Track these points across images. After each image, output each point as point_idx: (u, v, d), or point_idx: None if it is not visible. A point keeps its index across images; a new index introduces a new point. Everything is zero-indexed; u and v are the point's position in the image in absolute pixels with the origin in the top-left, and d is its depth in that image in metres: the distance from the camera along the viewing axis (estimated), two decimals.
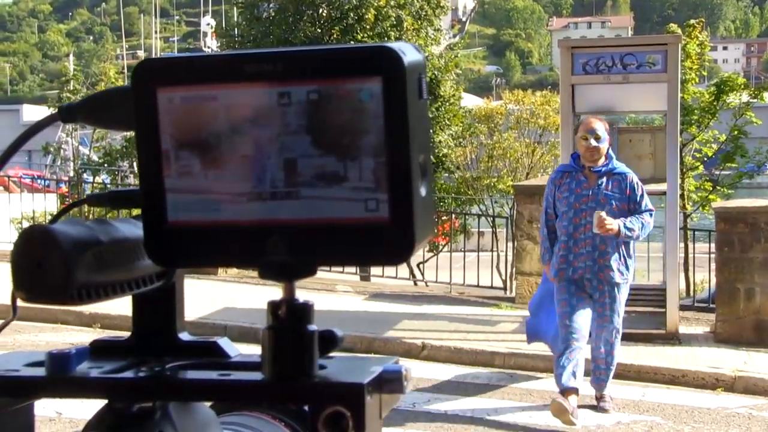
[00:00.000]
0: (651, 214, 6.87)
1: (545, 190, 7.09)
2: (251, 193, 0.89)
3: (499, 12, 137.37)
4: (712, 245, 11.70)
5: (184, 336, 1.06)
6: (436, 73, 18.50)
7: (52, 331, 9.28)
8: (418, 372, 8.38)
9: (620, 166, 6.94)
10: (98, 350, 1.04)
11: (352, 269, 14.10)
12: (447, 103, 18.45)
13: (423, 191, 0.89)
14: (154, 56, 0.98)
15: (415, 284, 13.86)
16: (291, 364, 0.92)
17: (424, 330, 9.59)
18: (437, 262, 13.46)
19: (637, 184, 6.87)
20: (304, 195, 0.88)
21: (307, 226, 0.89)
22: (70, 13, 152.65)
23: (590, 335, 6.96)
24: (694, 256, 13.09)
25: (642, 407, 7.50)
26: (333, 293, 12.23)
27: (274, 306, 0.93)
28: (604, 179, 6.80)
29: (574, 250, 6.80)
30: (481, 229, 16.95)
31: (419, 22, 18.78)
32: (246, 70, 0.88)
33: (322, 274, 14.77)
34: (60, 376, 0.96)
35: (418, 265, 15.06)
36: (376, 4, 18.09)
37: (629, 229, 6.64)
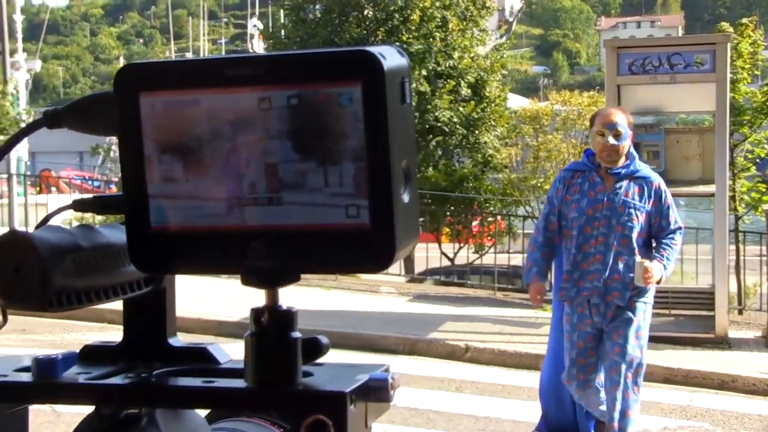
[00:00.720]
0: (681, 233, 5.59)
1: (550, 190, 5.75)
2: (233, 198, 0.88)
3: (546, 12, 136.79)
4: (764, 248, 11.53)
5: (175, 341, 1.05)
6: (481, 73, 18.43)
7: (99, 330, 9.36)
8: (461, 374, 8.34)
9: (644, 169, 5.60)
10: (89, 355, 1.03)
11: (396, 270, 14.09)
12: (492, 104, 18.36)
13: (406, 197, 0.86)
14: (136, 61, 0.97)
15: (460, 286, 13.81)
16: (273, 372, 0.90)
17: (467, 332, 9.54)
18: (482, 263, 13.40)
19: (664, 192, 5.53)
20: (285, 200, 0.86)
21: (288, 231, 0.87)
22: (121, 17, 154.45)
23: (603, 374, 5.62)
24: (744, 259, 12.89)
25: (689, 412, 7.39)
26: (376, 294, 12.21)
27: (256, 313, 0.91)
28: (624, 183, 5.45)
29: (581, 266, 5.46)
30: (527, 231, 16.87)
31: (464, 23, 18.73)
32: (227, 75, 0.87)
33: (366, 275, 14.79)
34: (46, 381, 0.95)
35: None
36: (421, 5, 18.08)
37: (667, 269, 5.44)
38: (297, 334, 0.91)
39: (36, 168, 27.43)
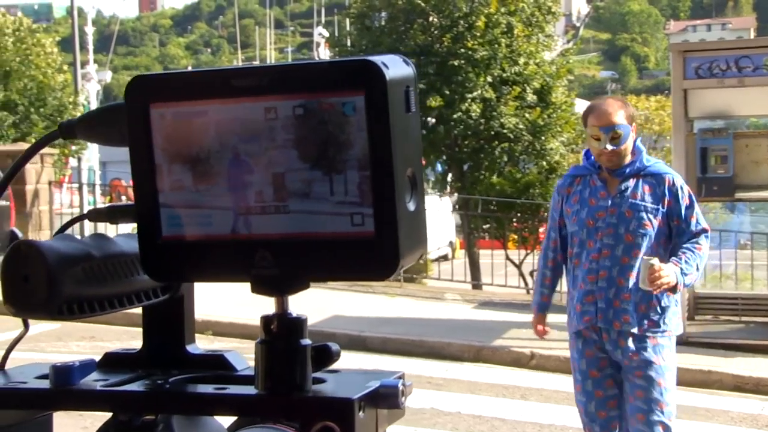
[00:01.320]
0: (707, 236, 4.49)
1: (551, 204, 4.80)
2: (241, 207, 0.90)
3: (614, 17, 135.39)
4: None
5: (193, 348, 1.06)
6: (547, 79, 18.31)
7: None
8: (527, 382, 8.29)
9: (654, 164, 4.55)
10: (110, 362, 1.05)
11: (461, 276, 14.03)
12: (558, 110, 18.22)
13: (412, 206, 0.87)
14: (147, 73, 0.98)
15: (528, 292, 13.72)
16: (283, 379, 0.91)
17: (533, 339, 9.42)
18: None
19: (681, 188, 4.48)
20: (291, 209, 0.88)
21: (294, 240, 0.88)
22: (189, 27, 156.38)
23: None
24: None
25: (761, 421, 7.26)
26: (441, 301, 12.19)
27: (266, 320, 0.92)
28: (630, 183, 4.45)
29: (580, 285, 4.46)
30: None
31: (530, 29, 18.62)
32: (234, 85, 0.89)
33: (432, 282, 14.76)
34: (63, 388, 0.97)
35: (530, 273, 14.91)
36: (486, 11, 18.01)
37: (687, 275, 4.31)
38: (307, 341, 0.92)
39: (107, 177, 27.86)
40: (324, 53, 38.90)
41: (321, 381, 0.94)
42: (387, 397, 0.92)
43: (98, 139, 1.06)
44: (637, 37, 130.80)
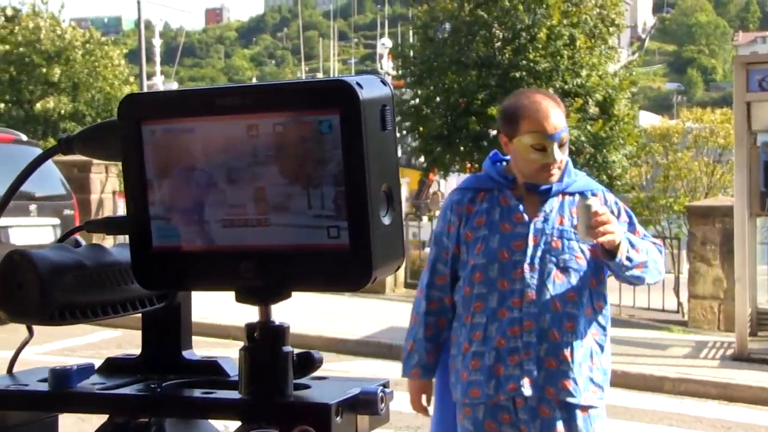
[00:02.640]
0: (660, 249, 3.37)
1: (437, 227, 3.50)
2: (226, 220, 0.94)
3: (680, 28, 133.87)
4: None
5: (189, 354, 1.11)
6: (610, 91, 18.19)
7: (222, 347, 9.58)
8: None
9: (580, 178, 3.39)
10: (110, 367, 1.10)
11: None
12: (621, 123, 18.08)
13: (387, 220, 0.91)
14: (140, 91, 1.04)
15: None
16: (265, 384, 0.95)
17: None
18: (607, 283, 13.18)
19: (615, 204, 3.37)
20: (272, 222, 0.92)
21: (275, 251, 0.93)
22: (254, 39, 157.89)
23: None
24: None
25: None
26: None
27: (250, 328, 0.96)
28: (554, 204, 3.29)
29: (498, 343, 3.20)
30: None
31: (593, 41, 18.52)
32: (218, 104, 0.93)
33: None
34: (61, 391, 1.02)
35: None
36: (548, 23, 17.97)
37: (634, 247, 3.18)
38: (288, 349, 0.96)
39: None
40: (387, 65, 39.03)
41: (305, 387, 0.98)
42: (366, 404, 0.96)
43: (94, 153, 1.12)
44: (704, 48, 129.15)
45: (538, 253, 3.24)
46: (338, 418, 0.93)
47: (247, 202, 0.93)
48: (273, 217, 0.92)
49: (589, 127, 17.59)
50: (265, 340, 0.96)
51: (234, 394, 0.98)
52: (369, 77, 0.92)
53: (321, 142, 0.90)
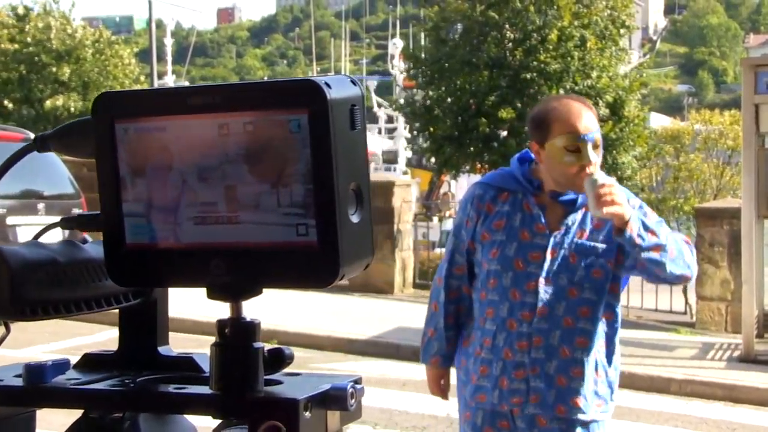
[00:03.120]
0: (690, 248, 3.21)
1: (456, 218, 3.46)
2: (197, 217, 0.95)
3: (692, 30, 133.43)
4: None
5: (165, 350, 1.12)
6: (620, 93, 18.17)
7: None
8: None
9: None
10: (88, 363, 1.11)
11: None
12: (631, 124, 18.06)
13: (356, 218, 0.92)
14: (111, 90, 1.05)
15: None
16: (235, 379, 0.97)
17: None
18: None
19: (640, 208, 3.13)
20: (242, 220, 0.93)
21: (245, 249, 0.94)
22: (266, 39, 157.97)
23: None
24: None
25: None
26: None
27: (221, 324, 0.98)
28: (577, 216, 3.18)
29: (505, 354, 3.15)
30: None
31: (603, 42, 18.51)
32: (190, 103, 0.94)
33: None
34: (35, 386, 1.03)
35: None
36: (559, 24, 17.96)
37: (647, 230, 3.01)
38: (259, 345, 0.97)
39: None
40: (399, 65, 39.02)
41: (277, 383, 0.99)
42: (336, 399, 0.97)
43: (69, 151, 1.13)
44: (716, 50, 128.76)
45: (555, 268, 3.14)
46: (307, 413, 0.94)
47: (218, 200, 0.94)
48: (243, 215, 0.93)
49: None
50: (235, 336, 0.97)
51: (206, 390, 0.99)
52: (339, 77, 0.93)
53: (290, 141, 0.91)
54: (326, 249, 0.91)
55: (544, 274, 3.13)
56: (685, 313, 12.45)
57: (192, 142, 0.95)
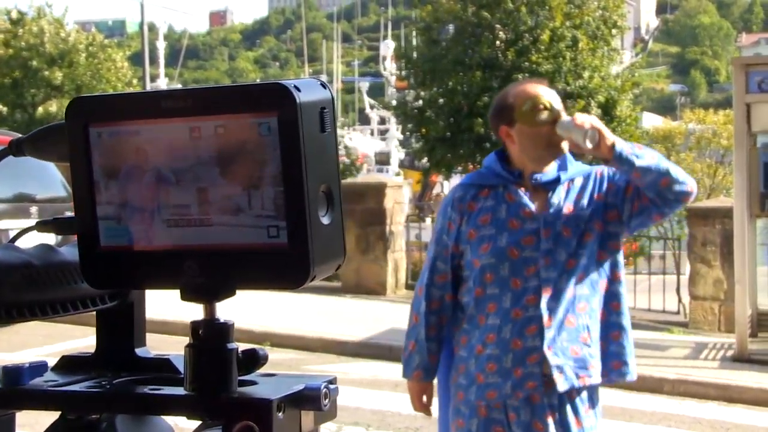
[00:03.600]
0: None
1: (436, 225, 3.40)
2: (170, 220, 0.96)
3: (684, 30, 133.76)
4: None
5: (142, 352, 1.13)
6: (612, 93, 18.20)
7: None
8: None
9: (579, 165, 3.32)
10: (66, 364, 1.12)
11: None
12: (623, 124, 18.09)
13: (326, 219, 0.93)
14: (85, 94, 1.05)
15: None
16: (209, 380, 0.97)
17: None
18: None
19: (604, 169, 3.26)
20: (215, 222, 0.94)
21: (218, 250, 0.95)
22: (258, 41, 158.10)
23: None
24: None
25: None
26: None
27: (195, 325, 0.98)
28: (561, 194, 3.23)
29: (514, 344, 3.15)
30: (659, 252, 16.55)
31: (595, 42, 18.54)
32: (162, 107, 0.95)
33: None
34: (11, 388, 1.03)
35: None
36: (551, 25, 17.99)
37: (636, 153, 3.08)
38: (233, 345, 0.98)
39: None
40: (390, 66, 39.08)
41: (252, 383, 1.00)
42: (310, 399, 0.97)
43: (43, 155, 1.14)
44: (708, 50, 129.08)
45: (551, 246, 3.18)
46: (280, 414, 0.94)
47: (190, 202, 0.95)
48: (216, 217, 0.94)
49: None
50: (209, 337, 0.98)
51: (181, 391, 0.99)
52: (309, 80, 0.94)
53: (260, 144, 0.92)
54: (297, 250, 0.92)
55: (542, 254, 3.16)
56: (678, 312, 12.47)
57: (165, 145, 0.96)
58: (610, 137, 3.07)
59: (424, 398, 3.40)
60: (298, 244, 0.91)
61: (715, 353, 9.51)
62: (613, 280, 3.25)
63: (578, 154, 3.33)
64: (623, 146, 3.09)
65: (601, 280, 3.23)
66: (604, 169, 3.27)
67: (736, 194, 9.34)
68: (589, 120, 3.07)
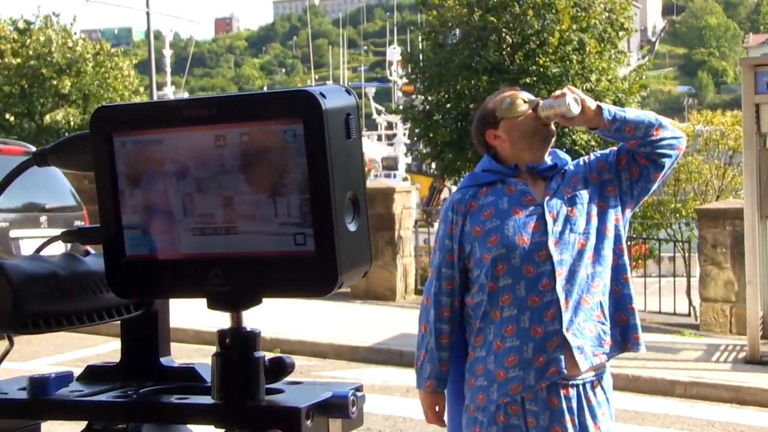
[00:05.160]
0: None
1: (439, 232, 3.40)
2: (195, 228, 0.95)
3: (690, 31, 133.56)
4: None
5: (167, 361, 1.13)
6: (620, 95, 18.18)
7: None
8: None
9: (567, 156, 3.39)
10: (91, 374, 1.12)
11: None
12: None
13: (353, 226, 0.92)
14: (110, 104, 1.05)
15: None
16: (236, 389, 0.97)
17: None
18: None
19: (591, 155, 3.40)
20: (241, 230, 0.94)
21: (243, 259, 0.95)
22: (264, 48, 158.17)
23: None
24: None
25: None
26: None
27: (222, 334, 0.98)
28: (559, 180, 3.28)
29: (534, 332, 3.14)
30: (671, 255, 16.50)
31: (602, 45, 18.52)
32: (185, 115, 0.95)
33: None
34: (39, 398, 1.03)
35: None
36: (558, 28, 17.97)
37: (621, 113, 3.18)
38: (260, 354, 0.98)
39: None
40: (397, 72, 39.09)
41: (279, 391, 0.99)
42: (338, 407, 0.97)
43: (68, 165, 1.13)
44: (715, 51, 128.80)
45: (559, 228, 3.20)
46: (309, 422, 0.94)
47: (215, 210, 0.95)
48: (241, 225, 0.94)
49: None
50: (236, 345, 0.98)
51: (208, 399, 0.99)
52: (334, 87, 0.94)
53: (286, 151, 0.91)
54: (324, 258, 0.91)
55: (551, 237, 3.18)
56: (689, 315, 12.44)
57: (189, 153, 0.95)
58: (591, 102, 3.16)
59: (437, 408, 3.37)
60: (325, 252, 0.91)
61: (727, 355, 9.47)
62: (620, 252, 3.28)
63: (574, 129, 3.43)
64: (608, 107, 3.18)
65: (610, 254, 3.25)
66: (591, 154, 3.38)
67: (746, 195, 9.30)
68: (566, 89, 3.16)
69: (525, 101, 3.27)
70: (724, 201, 13.70)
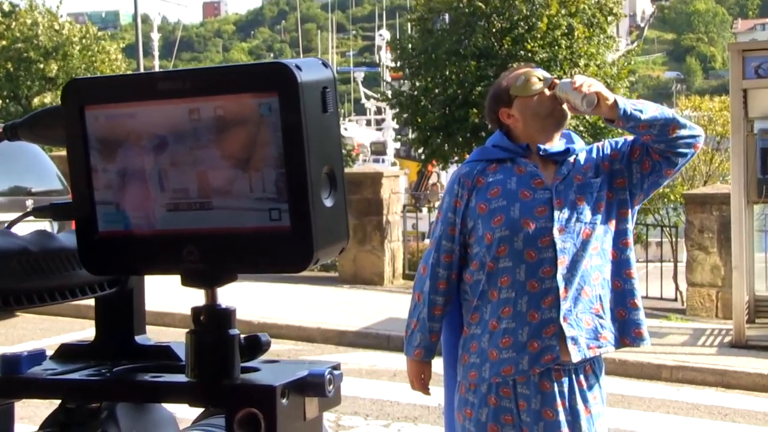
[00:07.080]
0: None
1: (443, 203, 3.32)
2: (170, 204, 0.94)
3: (679, 16, 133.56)
4: None
5: (142, 340, 1.11)
6: (608, 81, 18.16)
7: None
8: None
9: (581, 141, 3.34)
10: (65, 353, 1.10)
11: None
12: None
13: (329, 202, 0.91)
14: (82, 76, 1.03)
15: None
16: (211, 367, 0.95)
17: None
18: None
19: (606, 142, 3.32)
20: (215, 206, 0.92)
21: (218, 235, 0.93)
22: (252, 32, 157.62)
23: None
24: None
25: None
26: None
27: (196, 311, 0.96)
28: (569, 164, 3.21)
29: (531, 317, 3.11)
30: (658, 240, 16.55)
31: (591, 30, 18.50)
32: (160, 88, 0.93)
33: None
34: (11, 377, 1.02)
35: None
36: (547, 13, 17.94)
37: (637, 107, 3.07)
38: (235, 332, 0.96)
39: None
40: (386, 56, 39.00)
41: (254, 369, 0.98)
42: (314, 386, 0.96)
43: (39, 139, 1.12)
44: (703, 36, 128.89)
45: (565, 215, 3.14)
46: (284, 400, 0.93)
47: (189, 186, 0.93)
48: (215, 201, 0.92)
49: (587, 117, 17.58)
50: (210, 323, 0.96)
51: (182, 378, 0.98)
52: (310, 60, 0.92)
53: (261, 125, 0.89)
54: (300, 233, 0.90)
55: (557, 224, 3.13)
56: (675, 299, 12.47)
57: (163, 127, 0.94)
58: (610, 97, 3.05)
59: (422, 376, 3.36)
60: (300, 227, 0.89)
61: (713, 339, 9.51)
62: (624, 248, 3.24)
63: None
64: (625, 103, 3.07)
65: (613, 249, 3.21)
66: (605, 142, 3.30)
67: (733, 180, 9.32)
68: (587, 83, 3.04)
69: (540, 79, 3.19)
70: (711, 186, 13.74)
